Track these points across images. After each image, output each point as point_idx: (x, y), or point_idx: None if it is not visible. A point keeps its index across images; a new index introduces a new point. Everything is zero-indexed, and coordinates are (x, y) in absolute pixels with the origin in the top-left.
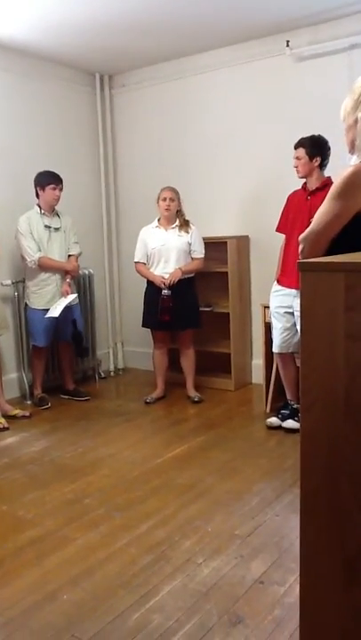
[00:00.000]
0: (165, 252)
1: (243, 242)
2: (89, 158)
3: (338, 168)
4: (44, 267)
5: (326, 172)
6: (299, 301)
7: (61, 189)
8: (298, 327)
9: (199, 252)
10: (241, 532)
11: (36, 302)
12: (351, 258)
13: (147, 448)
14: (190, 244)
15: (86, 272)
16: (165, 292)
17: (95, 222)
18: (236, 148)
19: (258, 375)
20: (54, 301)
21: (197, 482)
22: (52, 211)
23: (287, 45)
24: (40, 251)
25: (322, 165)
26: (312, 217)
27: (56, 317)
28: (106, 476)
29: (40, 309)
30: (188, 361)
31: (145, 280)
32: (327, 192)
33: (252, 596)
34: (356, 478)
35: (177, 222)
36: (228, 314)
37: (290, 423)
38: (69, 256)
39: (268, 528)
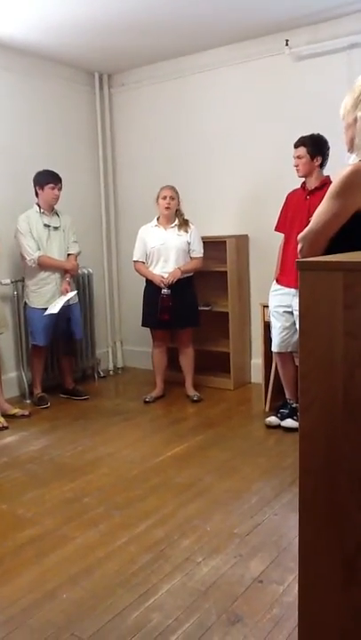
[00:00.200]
0: (165, 251)
1: (242, 241)
2: (88, 157)
3: (337, 167)
4: (43, 266)
5: (325, 172)
6: (298, 300)
7: (60, 189)
8: (297, 326)
9: (198, 251)
10: (240, 531)
11: (35, 301)
12: (350, 257)
13: (146, 447)
14: (189, 244)
15: (85, 271)
16: (165, 291)
17: (94, 221)
18: (235, 147)
19: (257, 374)
20: (54, 300)
21: (196, 481)
22: (51, 210)
23: (286, 44)
24: (39, 250)
25: (322, 165)
26: (311, 216)
27: (55, 315)
28: (105, 474)
29: (39, 308)
30: (187, 360)
31: (144, 279)
32: (326, 191)
33: (250, 594)
34: (354, 477)
35: (176, 221)
36: (228, 313)
37: (289, 422)
38: (69, 255)
39: (267, 527)
